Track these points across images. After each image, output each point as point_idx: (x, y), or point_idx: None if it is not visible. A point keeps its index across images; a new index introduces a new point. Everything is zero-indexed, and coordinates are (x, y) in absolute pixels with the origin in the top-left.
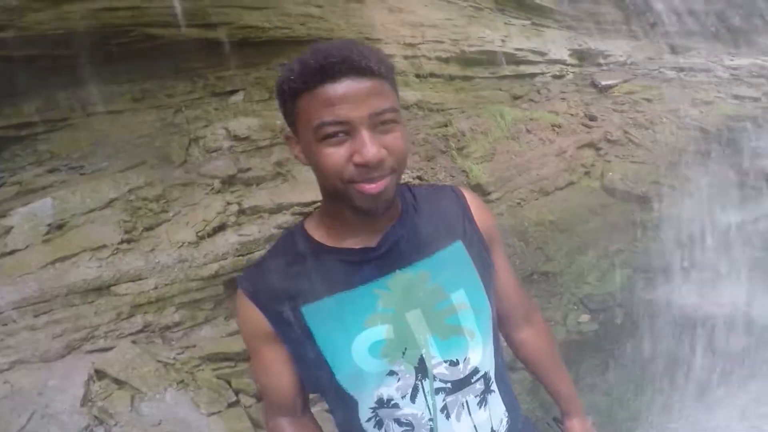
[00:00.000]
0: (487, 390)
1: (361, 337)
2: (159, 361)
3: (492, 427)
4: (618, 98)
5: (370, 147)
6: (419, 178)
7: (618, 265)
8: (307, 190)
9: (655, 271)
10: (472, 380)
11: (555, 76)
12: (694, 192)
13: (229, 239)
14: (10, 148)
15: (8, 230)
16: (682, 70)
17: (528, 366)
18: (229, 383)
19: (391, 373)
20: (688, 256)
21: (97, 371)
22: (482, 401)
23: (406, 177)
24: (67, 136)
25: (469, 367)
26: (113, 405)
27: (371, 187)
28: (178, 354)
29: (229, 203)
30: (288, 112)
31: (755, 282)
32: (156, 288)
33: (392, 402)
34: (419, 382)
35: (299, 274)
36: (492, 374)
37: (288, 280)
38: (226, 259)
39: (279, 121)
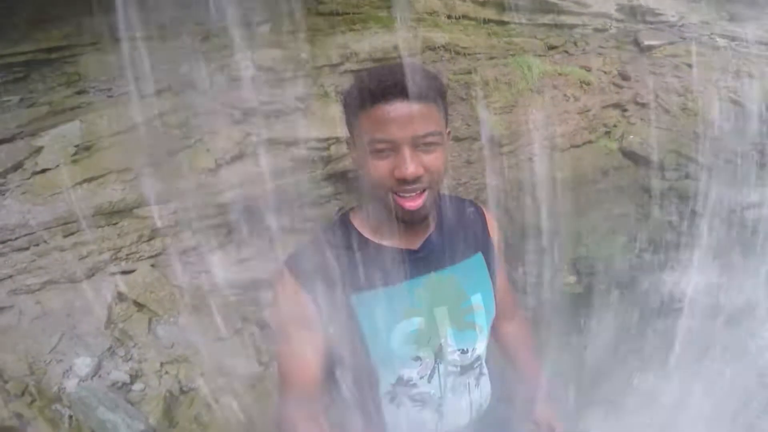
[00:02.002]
0: (481, 373)
1: (400, 326)
2: (174, 286)
3: (480, 404)
4: (658, 60)
5: (409, 164)
6: None
7: (617, 230)
8: (323, 126)
9: (654, 242)
10: (475, 365)
11: (596, 30)
12: (713, 167)
13: (246, 168)
14: (40, 70)
15: (39, 150)
16: (735, 39)
17: (507, 355)
18: (236, 310)
19: (416, 358)
20: (690, 231)
21: (119, 293)
22: (477, 382)
23: None
24: (95, 59)
25: (475, 354)
26: (132, 327)
27: (410, 204)
28: (193, 278)
29: (248, 134)
30: (349, 123)
31: (749, 268)
32: (175, 212)
33: (411, 382)
34: (437, 366)
35: (350, 265)
36: (485, 360)
37: (339, 270)
38: (242, 187)
39: (304, 54)
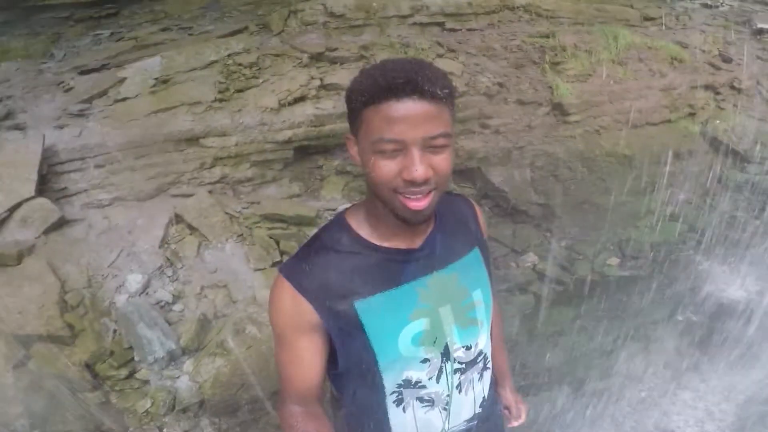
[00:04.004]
0: (484, 367)
1: (407, 329)
2: (226, 213)
3: (483, 397)
4: None
5: (418, 166)
6: (500, 84)
7: (676, 217)
8: None
9: (713, 235)
10: (477, 360)
11: (705, 5)
12: None
13: (306, 110)
14: (130, 7)
15: (122, 80)
16: None
17: None
18: (278, 243)
19: (425, 360)
20: (756, 230)
21: (176, 215)
22: (480, 376)
23: (486, 81)
24: None
25: (478, 349)
26: (183, 249)
27: (415, 204)
28: (244, 208)
29: (312, 78)
30: (352, 118)
31: None
32: (236, 145)
33: (420, 384)
34: (443, 365)
35: (351, 270)
36: (488, 354)
37: (341, 275)
38: (300, 127)
39: (375, 3)
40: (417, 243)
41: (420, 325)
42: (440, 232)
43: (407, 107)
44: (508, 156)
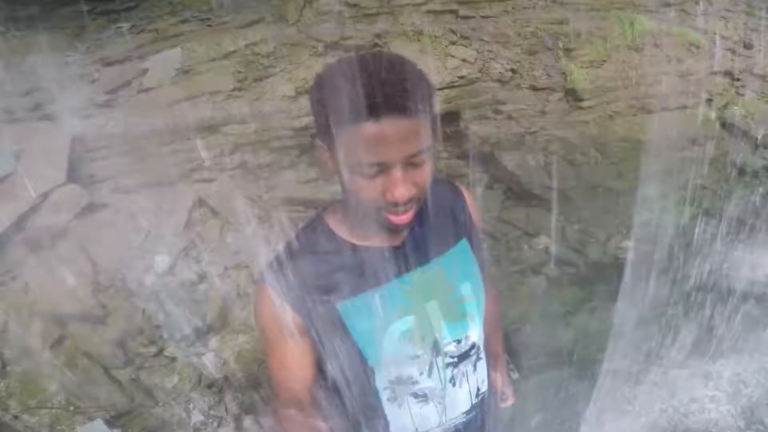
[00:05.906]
0: (477, 358)
1: (392, 328)
2: (247, 197)
3: (479, 387)
4: None
5: (401, 187)
6: (513, 70)
7: (690, 201)
8: None
9: (726, 220)
10: (470, 353)
11: None
12: None
13: None
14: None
15: (145, 72)
16: None
17: None
18: (296, 225)
19: (414, 356)
20: None
21: (199, 199)
22: (474, 368)
23: (499, 68)
24: None
25: (469, 342)
26: (207, 232)
27: (398, 219)
28: (264, 192)
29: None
30: (321, 129)
31: None
32: (255, 132)
33: (412, 379)
34: (434, 360)
35: (331, 271)
36: (481, 345)
37: (320, 277)
38: None
39: None
40: (398, 240)
41: (406, 322)
42: (422, 226)
43: (387, 128)
44: (521, 141)
